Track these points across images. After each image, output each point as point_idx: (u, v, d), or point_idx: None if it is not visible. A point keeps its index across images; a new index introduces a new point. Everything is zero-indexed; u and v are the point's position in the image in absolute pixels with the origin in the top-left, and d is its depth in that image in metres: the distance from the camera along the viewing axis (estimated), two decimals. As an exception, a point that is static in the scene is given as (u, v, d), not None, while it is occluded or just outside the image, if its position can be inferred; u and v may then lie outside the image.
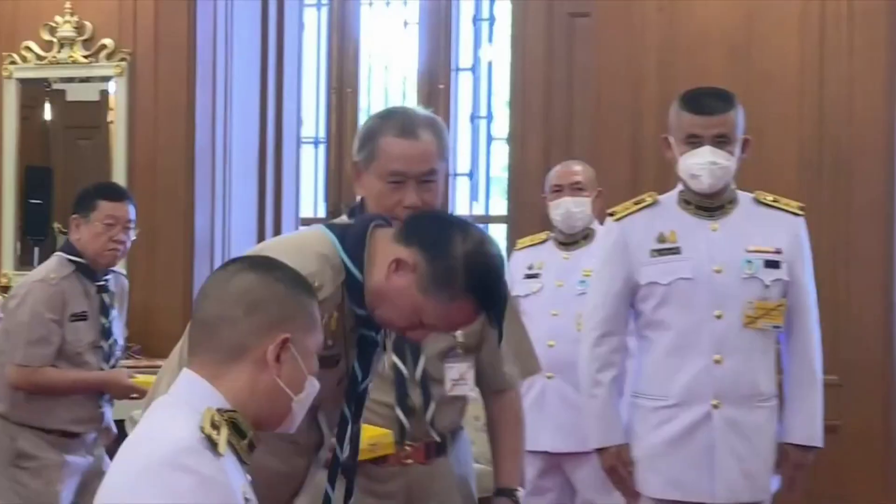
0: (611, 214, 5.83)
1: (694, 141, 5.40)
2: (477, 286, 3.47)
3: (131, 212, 5.87)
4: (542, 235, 6.82)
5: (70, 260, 5.92)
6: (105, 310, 6.00)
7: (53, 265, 6.00)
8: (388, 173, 3.98)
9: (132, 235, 5.95)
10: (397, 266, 3.46)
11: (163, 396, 3.08)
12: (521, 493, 4.53)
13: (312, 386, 3.10)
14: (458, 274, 3.44)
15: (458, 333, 4.15)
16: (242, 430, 3.00)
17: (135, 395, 6.20)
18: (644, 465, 5.56)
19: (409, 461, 4.36)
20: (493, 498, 4.50)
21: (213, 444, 2.88)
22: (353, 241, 3.65)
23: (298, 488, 3.86)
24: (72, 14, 9.09)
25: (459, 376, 4.46)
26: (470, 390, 4.45)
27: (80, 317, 6.08)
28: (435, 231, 3.57)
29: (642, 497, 5.57)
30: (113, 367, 6.16)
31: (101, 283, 6.01)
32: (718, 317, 5.46)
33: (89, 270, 5.98)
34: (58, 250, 6.18)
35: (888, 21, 7.91)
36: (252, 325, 3.01)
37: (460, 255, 3.47)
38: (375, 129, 4.06)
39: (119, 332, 6.20)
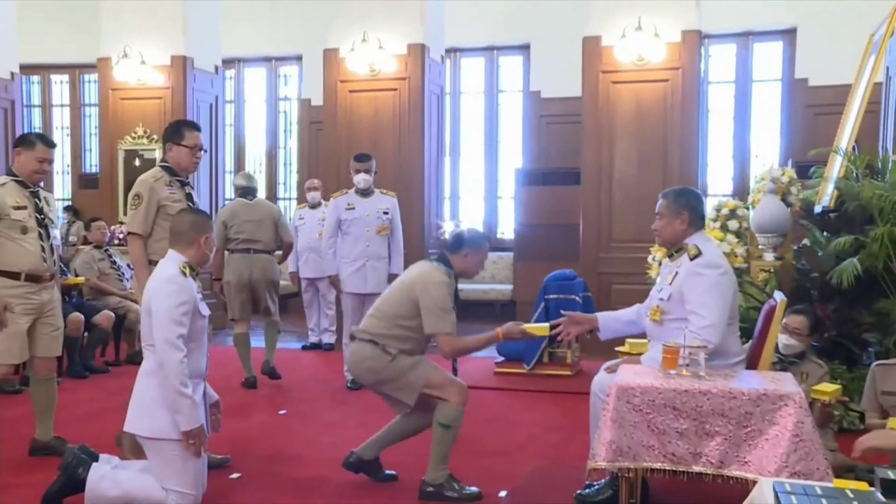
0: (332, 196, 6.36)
1: (357, 171, 6.05)
2: (480, 238, 4.04)
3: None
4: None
5: None
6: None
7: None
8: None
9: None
10: (464, 259, 3.90)
11: (163, 258, 3.54)
12: None
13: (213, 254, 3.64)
14: (478, 238, 3.99)
15: None
16: (194, 269, 3.48)
17: None
18: (344, 280, 6.06)
19: None
20: None
21: (184, 273, 3.41)
22: (446, 262, 3.91)
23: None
24: (143, 127, 9.03)
25: None
26: None
27: None
28: (459, 239, 3.98)
29: (344, 292, 6.10)
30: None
31: None
32: (367, 231, 6.04)
33: None
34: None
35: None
36: (195, 232, 3.49)
37: (472, 235, 4.01)
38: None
39: None
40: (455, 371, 4.17)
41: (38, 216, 4.25)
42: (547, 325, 3.92)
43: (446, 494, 3.79)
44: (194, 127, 4.33)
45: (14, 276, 4.17)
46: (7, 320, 4.11)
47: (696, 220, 3.63)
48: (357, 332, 3.99)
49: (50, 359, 4.42)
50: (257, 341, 6.70)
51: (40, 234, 4.24)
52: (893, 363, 3.70)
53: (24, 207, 4.21)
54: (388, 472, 4.06)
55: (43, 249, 4.24)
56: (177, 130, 4.28)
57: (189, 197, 4.26)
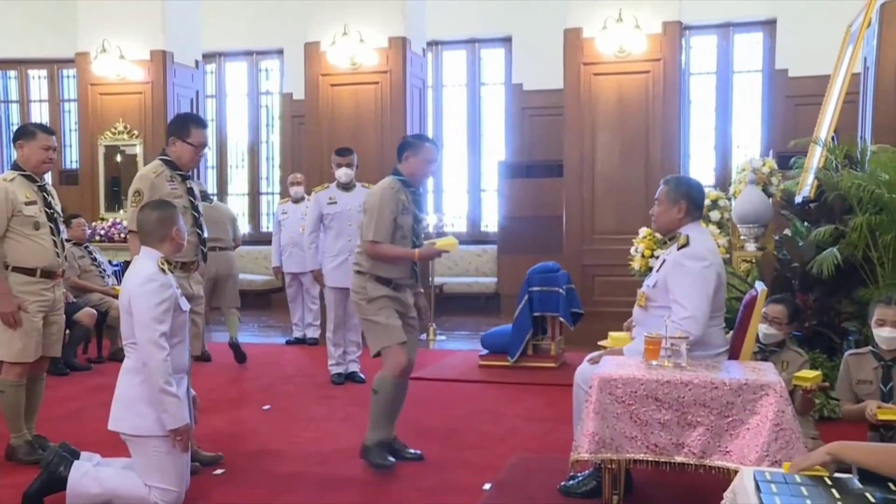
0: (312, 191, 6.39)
1: (339, 165, 6.07)
2: (419, 139, 4.24)
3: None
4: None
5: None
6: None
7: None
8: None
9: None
10: (407, 162, 4.11)
11: (138, 255, 3.49)
12: None
13: (185, 236, 3.56)
14: (416, 140, 4.22)
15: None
16: (171, 263, 3.51)
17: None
18: (327, 274, 6.00)
19: None
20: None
21: (163, 270, 3.38)
22: (397, 172, 4.14)
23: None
24: (123, 122, 9.05)
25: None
26: None
27: None
28: (401, 145, 4.22)
29: (327, 286, 6.03)
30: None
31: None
32: (349, 225, 5.92)
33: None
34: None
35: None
36: (164, 227, 3.44)
37: (410, 138, 4.28)
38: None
39: None
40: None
41: (48, 210, 4.18)
42: (455, 239, 4.30)
43: (369, 458, 4.06)
44: (201, 124, 4.18)
45: (30, 272, 4.11)
46: (21, 320, 4.07)
47: (694, 210, 3.64)
48: (353, 263, 4.25)
49: (46, 358, 4.35)
50: (221, 336, 7.18)
51: (51, 229, 4.18)
52: (865, 352, 3.73)
53: (35, 202, 4.13)
54: (412, 451, 4.23)
55: (55, 244, 4.18)
56: (183, 126, 4.12)
57: (190, 192, 4.14)
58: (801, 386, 3.56)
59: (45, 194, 4.20)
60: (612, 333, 4.14)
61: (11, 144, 4.36)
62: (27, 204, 4.09)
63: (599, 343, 4.63)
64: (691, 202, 3.62)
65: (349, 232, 5.99)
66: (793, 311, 4.08)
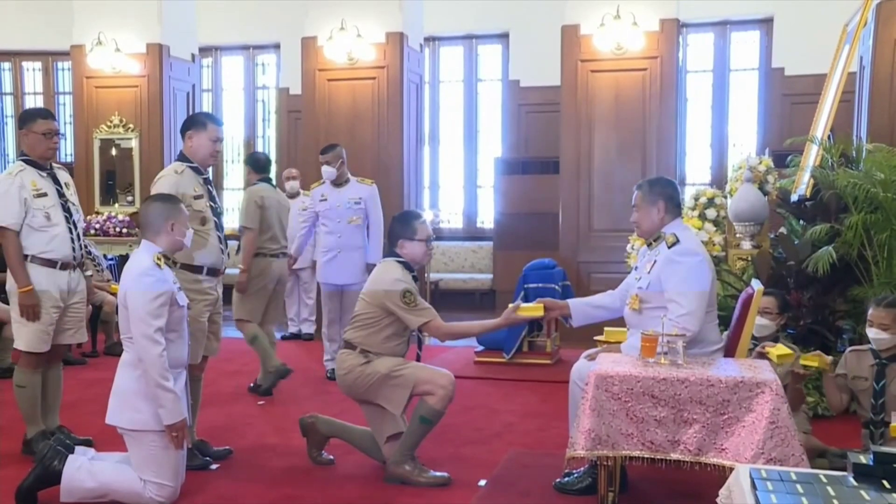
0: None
1: (321, 164, 5.91)
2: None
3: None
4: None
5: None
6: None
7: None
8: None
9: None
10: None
11: (137, 248, 3.52)
12: None
13: (188, 237, 3.52)
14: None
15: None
16: (169, 258, 3.49)
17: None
18: (319, 270, 6.05)
19: None
20: None
21: (158, 265, 3.38)
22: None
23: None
24: (118, 116, 8.98)
25: None
26: None
27: None
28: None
29: (321, 282, 6.03)
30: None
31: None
32: (339, 222, 5.89)
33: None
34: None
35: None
36: (161, 219, 3.43)
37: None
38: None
39: None
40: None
41: (213, 205, 4.01)
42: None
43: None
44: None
45: (196, 270, 3.94)
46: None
47: (673, 208, 3.63)
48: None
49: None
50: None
51: (216, 224, 4.00)
52: (866, 349, 3.76)
53: (202, 196, 3.95)
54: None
55: (220, 240, 4.03)
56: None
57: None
58: (810, 367, 3.54)
59: (209, 187, 4.03)
60: (607, 329, 4.13)
61: (7, 138, 4.27)
62: (195, 198, 3.89)
63: (595, 339, 4.63)
64: (669, 200, 3.62)
65: (339, 228, 5.97)
66: (783, 301, 4.14)
